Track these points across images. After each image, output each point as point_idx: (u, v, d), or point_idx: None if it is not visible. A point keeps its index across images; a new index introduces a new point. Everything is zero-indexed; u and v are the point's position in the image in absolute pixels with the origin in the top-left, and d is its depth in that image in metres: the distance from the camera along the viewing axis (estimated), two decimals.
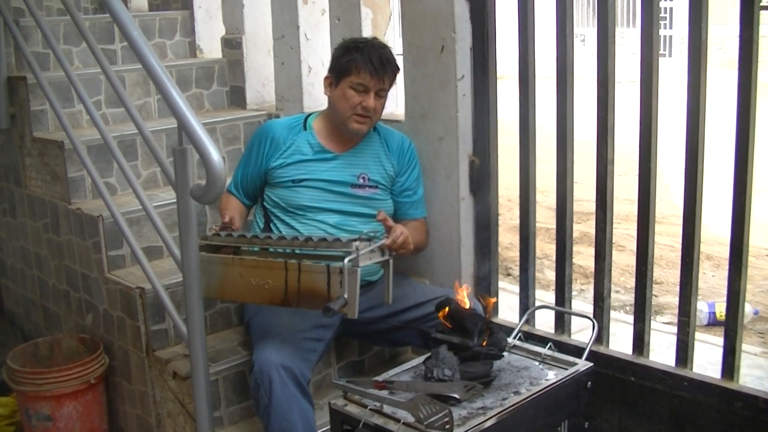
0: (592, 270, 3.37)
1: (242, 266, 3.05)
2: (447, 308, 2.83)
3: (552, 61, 3.28)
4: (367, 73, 3.32)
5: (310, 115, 3.61)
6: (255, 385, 3.01)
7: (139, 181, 3.79)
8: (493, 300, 3.14)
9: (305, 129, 3.53)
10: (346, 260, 2.78)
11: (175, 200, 3.00)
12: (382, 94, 3.39)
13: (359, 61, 3.32)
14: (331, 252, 2.92)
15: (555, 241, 3.45)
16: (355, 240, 2.89)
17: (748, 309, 5.17)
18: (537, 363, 2.90)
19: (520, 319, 3.38)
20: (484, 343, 2.76)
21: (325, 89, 3.49)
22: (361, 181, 3.47)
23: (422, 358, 2.82)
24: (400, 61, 3.67)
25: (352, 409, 2.62)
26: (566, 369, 2.83)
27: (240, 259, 3.07)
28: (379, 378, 2.76)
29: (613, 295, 3.56)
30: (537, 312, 3.53)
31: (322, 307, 2.74)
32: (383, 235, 3.06)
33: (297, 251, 3.08)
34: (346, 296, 2.76)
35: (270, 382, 2.95)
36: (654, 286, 3.34)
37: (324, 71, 3.47)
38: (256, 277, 3.00)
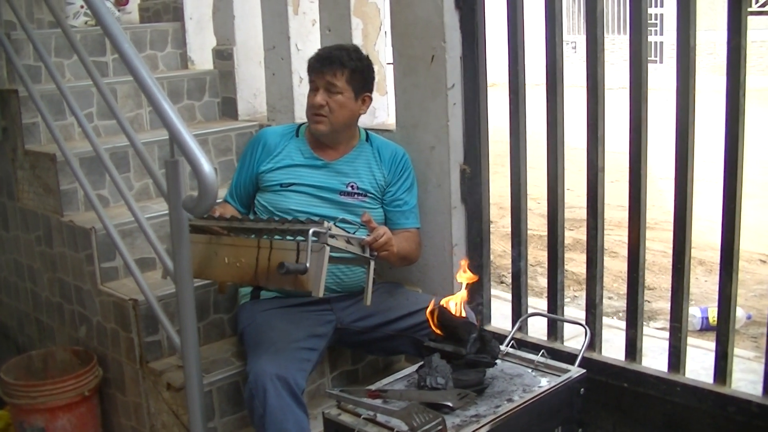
0: (585, 276, 3.38)
1: (218, 245, 3.07)
2: (437, 315, 2.83)
3: (542, 69, 3.29)
4: (312, 71, 3.42)
5: (303, 123, 3.62)
6: (249, 395, 3.01)
7: (132, 193, 3.79)
8: (475, 278, 3.10)
9: (297, 136, 3.56)
10: (311, 231, 2.78)
11: (167, 212, 3.01)
12: (332, 90, 3.40)
13: (310, 62, 3.45)
14: (305, 230, 2.87)
15: (547, 248, 3.46)
16: (330, 222, 2.90)
17: (740, 313, 5.18)
18: (530, 370, 2.90)
19: (512, 327, 3.39)
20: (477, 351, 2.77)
21: None
22: (349, 189, 3.48)
23: (415, 367, 2.82)
24: (390, 71, 3.69)
25: (346, 418, 2.62)
26: (559, 376, 2.83)
27: (217, 238, 3.09)
28: (373, 387, 2.75)
29: (605, 301, 3.56)
30: (530, 319, 3.53)
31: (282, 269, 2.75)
32: (367, 234, 3.08)
33: (273, 232, 3.06)
34: (307, 264, 2.75)
35: (264, 392, 2.95)
36: (647, 291, 3.35)
37: None
38: (230, 255, 3.02)
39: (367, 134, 3.63)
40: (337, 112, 3.44)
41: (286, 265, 2.73)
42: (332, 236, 2.85)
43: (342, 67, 3.40)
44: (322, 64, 3.39)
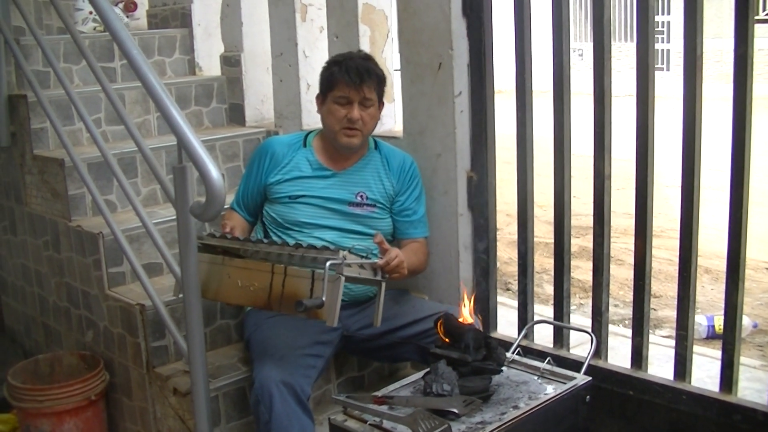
0: (591, 284, 3.38)
1: (231, 267, 3.06)
2: (443, 322, 2.84)
3: (549, 76, 3.29)
4: (346, 85, 3.34)
5: (310, 132, 3.62)
6: (255, 401, 3.02)
7: (139, 199, 3.80)
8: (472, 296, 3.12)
9: (305, 146, 3.54)
10: (327, 264, 2.78)
11: (174, 217, 3.02)
12: (367, 104, 3.39)
13: (337, 75, 3.35)
14: (320, 257, 2.89)
15: (553, 256, 3.46)
16: (345, 250, 2.90)
17: (746, 322, 5.17)
18: (536, 377, 2.90)
19: (518, 334, 3.39)
20: (483, 358, 2.77)
21: (317, 108, 3.52)
22: (359, 199, 3.47)
23: (421, 374, 2.82)
24: (397, 78, 3.69)
25: (352, 424, 2.61)
26: (565, 383, 2.82)
27: (230, 260, 3.08)
28: (379, 393, 2.75)
29: (612, 308, 3.57)
30: (536, 326, 3.53)
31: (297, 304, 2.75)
32: (379, 257, 3.08)
33: (287, 257, 3.07)
34: (324, 299, 2.76)
35: (270, 398, 2.96)
36: (653, 299, 3.35)
37: None
38: (243, 278, 3.01)
39: (375, 142, 3.62)
40: (369, 125, 3.45)
41: (303, 302, 2.74)
42: (347, 265, 2.86)
43: (376, 78, 3.40)
44: (361, 79, 3.33)
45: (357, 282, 3.07)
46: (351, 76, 3.33)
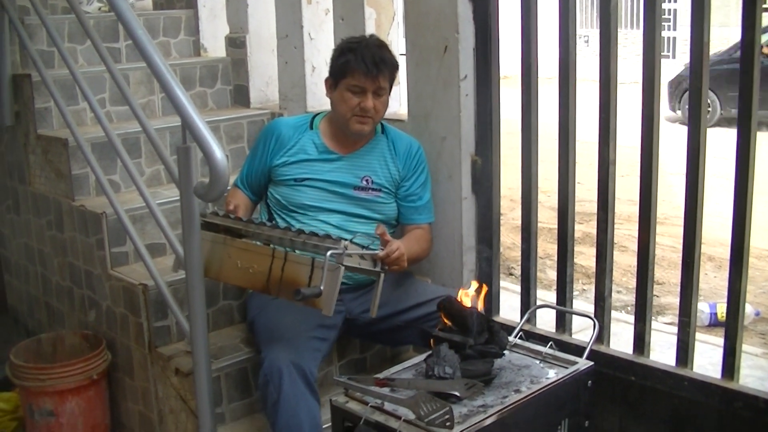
0: (594, 270, 3.38)
1: (232, 247, 3.07)
2: (446, 305, 2.84)
3: (555, 62, 3.29)
4: (362, 75, 3.31)
5: (317, 114, 3.61)
6: (264, 381, 3.02)
7: (143, 179, 3.80)
8: (485, 288, 3.12)
9: (311, 129, 3.53)
10: (328, 254, 2.78)
11: (178, 198, 3.02)
12: (380, 93, 3.37)
13: (353, 63, 3.31)
14: (321, 246, 2.89)
15: (557, 241, 3.46)
16: (347, 240, 2.90)
17: (749, 310, 5.18)
18: (538, 362, 2.90)
19: (521, 318, 3.39)
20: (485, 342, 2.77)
21: (327, 92, 3.49)
22: (364, 183, 3.46)
23: (423, 356, 2.83)
24: (402, 62, 3.68)
25: (354, 406, 2.62)
26: (567, 368, 2.83)
27: (231, 240, 3.09)
28: (381, 375, 2.76)
29: (614, 295, 3.56)
30: (538, 312, 3.53)
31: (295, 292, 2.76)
32: (380, 247, 3.07)
33: (288, 242, 3.06)
34: (321, 287, 2.77)
35: (280, 378, 2.97)
36: (655, 286, 3.35)
37: (327, 71, 3.48)
38: (243, 260, 3.02)
39: (382, 126, 3.60)
40: (381, 113, 3.43)
41: (302, 291, 2.75)
42: (348, 255, 2.86)
43: (389, 71, 3.38)
44: (378, 69, 3.31)
45: (356, 272, 3.07)
46: (368, 66, 3.29)
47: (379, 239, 3.08)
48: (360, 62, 3.30)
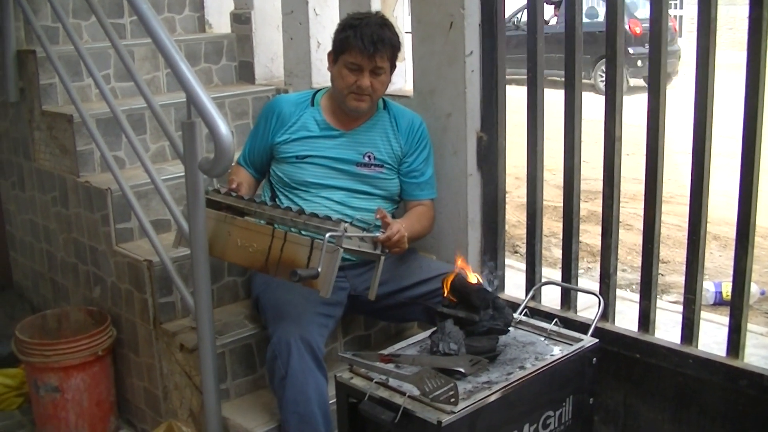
0: (599, 248, 3.37)
1: (233, 225, 3.07)
2: (451, 281, 2.83)
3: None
4: (358, 53, 3.29)
5: (319, 90, 3.60)
6: (272, 356, 3.03)
7: (148, 155, 3.79)
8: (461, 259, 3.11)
9: (312, 105, 3.52)
10: (327, 235, 2.79)
11: (183, 174, 3.02)
12: (378, 72, 3.35)
13: (351, 40, 3.29)
14: (322, 227, 2.90)
15: (562, 218, 3.45)
16: (347, 222, 2.90)
17: (754, 289, 5.17)
18: (542, 338, 2.90)
19: (526, 295, 3.39)
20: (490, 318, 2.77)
21: (328, 65, 3.48)
22: (366, 159, 3.45)
23: (428, 333, 2.82)
24: (408, 38, 3.67)
25: (358, 382, 2.63)
26: (571, 345, 2.83)
27: (232, 218, 3.09)
28: (385, 352, 2.76)
29: (619, 273, 3.56)
30: (543, 289, 3.53)
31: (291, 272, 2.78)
32: (380, 230, 3.07)
33: (290, 221, 3.05)
34: (319, 269, 2.77)
35: (288, 353, 2.97)
36: (660, 265, 3.35)
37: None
38: (243, 238, 3.02)
39: (384, 102, 3.59)
40: (379, 91, 3.41)
41: (298, 272, 2.75)
42: (347, 237, 2.86)
43: (390, 47, 3.35)
44: (374, 48, 3.28)
45: (356, 254, 3.06)
46: (365, 45, 3.27)
47: (385, 201, 3.08)
48: (358, 40, 3.28)
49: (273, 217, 3.04)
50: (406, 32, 4.06)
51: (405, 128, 3.54)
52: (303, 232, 3.00)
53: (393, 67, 3.44)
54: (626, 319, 3.36)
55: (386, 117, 3.55)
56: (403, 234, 3.10)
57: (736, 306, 2.95)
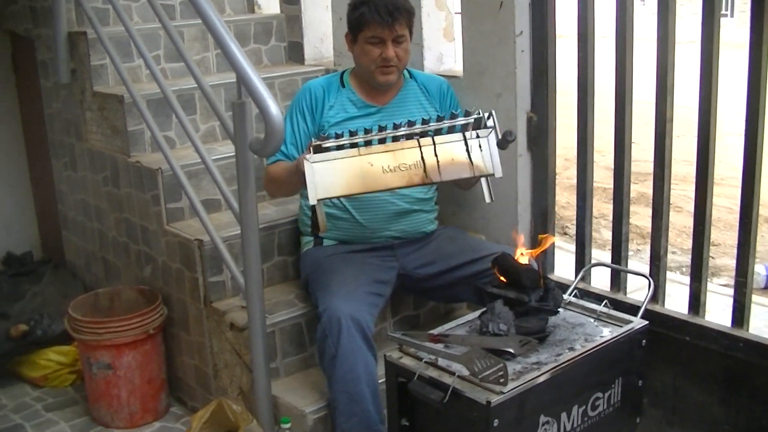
0: (649, 230, 3.35)
1: (372, 155, 3.00)
2: (500, 262, 2.83)
3: (611, 21, 3.24)
4: (377, 25, 3.31)
5: (344, 72, 3.61)
6: (323, 335, 3.05)
7: (198, 135, 3.81)
8: (552, 239, 3.11)
9: (344, 86, 3.54)
10: (492, 111, 3.03)
11: (233, 154, 3.04)
12: (400, 41, 3.37)
13: (367, 15, 3.32)
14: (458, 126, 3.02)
15: (612, 201, 3.43)
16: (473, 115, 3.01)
17: None
18: (592, 320, 2.89)
19: (575, 277, 3.38)
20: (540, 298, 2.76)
21: (348, 47, 3.50)
22: None
23: (477, 313, 2.82)
24: (458, 18, 3.65)
25: (407, 361, 2.64)
26: (621, 326, 2.82)
27: (367, 149, 3.01)
28: (434, 331, 2.77)
29: (669, 255, 3.53)
30: (593, 271, 3.51)
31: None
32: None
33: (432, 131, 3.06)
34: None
35: (339, 332, 2.99)
36: (711, 247, 3.30)
37: None
38: (389, 162, 2.98)
39: (408, 71, 3.61)
40: (404, 59, 3.44)
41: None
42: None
43: (407, 13, 3.37)
44: (392, 17, 3.30)
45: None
46: (382, 16, 3.29)
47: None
48: (374, 13, 3.30)
49: (411, 134, 3.03)
50: (456, 12, 4.04)
51: (435, 93, 3.60)
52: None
53: (411, 32, 3.45)
54: (676, 301, 3.33)
55: (415, 85, 3.59)
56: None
57: None
